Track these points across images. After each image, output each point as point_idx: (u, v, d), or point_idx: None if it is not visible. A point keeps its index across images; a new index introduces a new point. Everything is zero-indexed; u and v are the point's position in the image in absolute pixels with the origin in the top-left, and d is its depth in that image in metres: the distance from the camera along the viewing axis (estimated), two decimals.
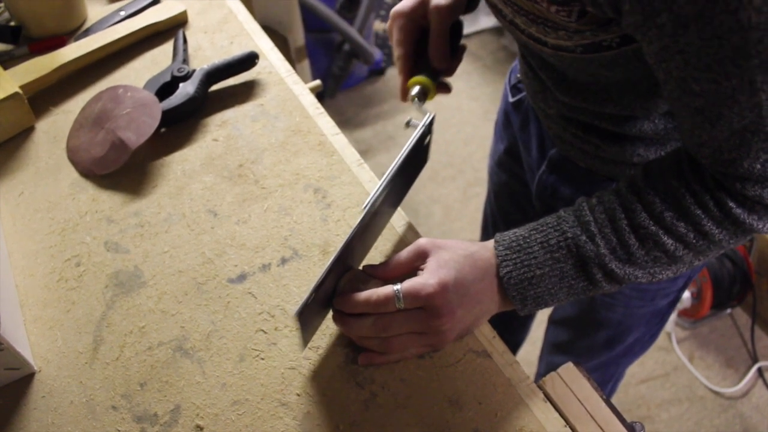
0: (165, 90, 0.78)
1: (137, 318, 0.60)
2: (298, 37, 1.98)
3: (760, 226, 0.50)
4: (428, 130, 0.64)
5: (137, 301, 0.61)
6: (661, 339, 1.71)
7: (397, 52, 0.68)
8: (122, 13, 0.93)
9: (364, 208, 0.53)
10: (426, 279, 0.51)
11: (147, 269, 0.64)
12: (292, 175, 0.71)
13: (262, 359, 0.56)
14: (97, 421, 0.53)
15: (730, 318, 1.76)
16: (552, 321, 1.04)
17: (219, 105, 0.80)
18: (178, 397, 0.54)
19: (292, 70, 0.84)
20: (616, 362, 0.99)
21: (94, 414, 0.54)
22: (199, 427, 0.52)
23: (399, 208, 0.67)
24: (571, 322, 0.96)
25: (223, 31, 0.91)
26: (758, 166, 0.46)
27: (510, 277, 0.53)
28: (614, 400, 0.72)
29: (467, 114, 2.40)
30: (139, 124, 0.73)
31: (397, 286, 0.51)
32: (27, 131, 0.80)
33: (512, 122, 0.87)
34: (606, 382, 1.04)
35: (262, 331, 0.58)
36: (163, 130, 0.78)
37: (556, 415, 0.52)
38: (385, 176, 0.56)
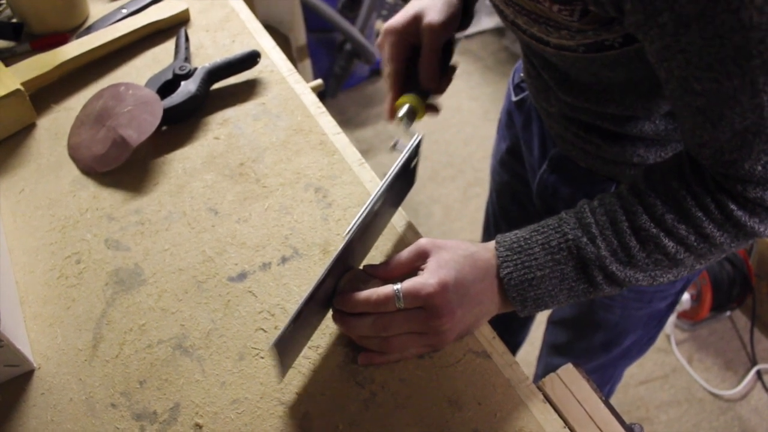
0: (166, 88, 0.78)
1: (137, 316, 0.60)
2: (299, 36, 1.98)
3: (762, 229, 0.50)
4: (416, 152, 0.62)
5: (137, 298, 0.61)
6: (661, 341, 1.71)
7: (387, 69, 0.67)
8: (124, 11, 0.93)
9: (346, 234, 0.52)
10: (426, 279, 0.51)
11: (147, 267, 0.64)
12: (293, 174, 0.71)
13: (262, 358, 0.56)
14: (96, 419, 0.53)
15: (729, 320, 1.76)
16: (551, 322, 1.04)
17: (220, 103, 0.80)
18: (178, 395, 0.54)
19: (294, 69, 0.84)
20: (613, 365, 0.99)
21: (93, 411, 0.54)
22: (198, 426, 0.52)
23: (399, 209, 0.67)
24: (569, 323, 0.96)
25: (224, 29, 0.91)
26: (759, 167, 0.46)
27: (510, 278, 0.53)
28: (613, 401, 0.72)
29: (467, 114, 2.40)
30: (141, 122, 0.73)
31: (397, 286, 0.51)
32: (28, 128, 0.80)
33: (515, 121, 0.87)
34: (603, 384, 1.04)
35: (262, 329, 0.58)
36: (164, 128, 0.78)
37: (556, 416, 0.52)
38: (369, 200, 0.55)
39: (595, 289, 0.54)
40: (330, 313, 0.56)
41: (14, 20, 0.93)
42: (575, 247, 0.52)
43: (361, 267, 0.58)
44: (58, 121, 0.80)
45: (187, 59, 0.83)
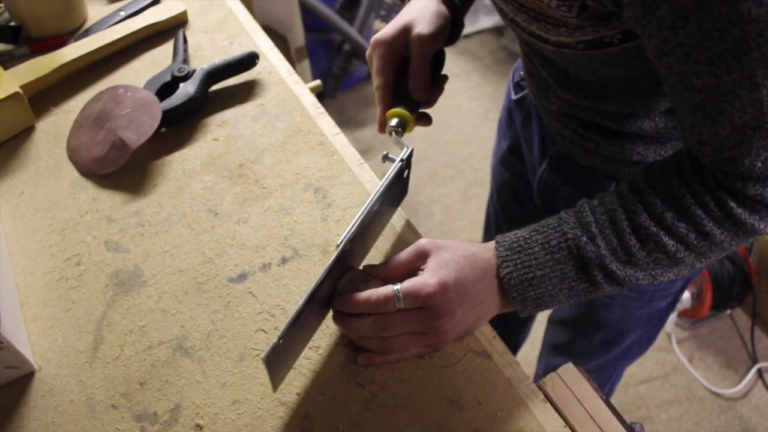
0: (165, 90, 0.78)
1: (137, 317, 0.60)
2: (298, 37, 1.98)
3: (762, 227, 0.50)
4: (407, 164, 0.62)
5: (137, 300, 0.61)
6: (661, 339, 1.71)
7: (376, 81, 0.65)
8: (122, 13, 0.93)
9: (339, 244, 0.52)
10: (426, 279, 0.51)
11: (147, 268, 0.64)
12: (293, 174, 0.71)
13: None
14: (96, 420, 0.53)
15: (729, 319, 1.76)
16: (551, 322, 1.04)
17: (219, 105, 0.80)
18: (178, 396, 0.54)
19: (293, 70, 0.84)
20: (613, 364, 0.99)
21: (94, 413, 0.54)
22: (199, 427, 0.52)
23: (399, 208, 0.67)
24: (570, 323, 0.96)
25: (223, 31, 0.91)
26: (759, 164, 0.46)
27: (510, 278, 0.53)
28: (614, 400, 0.72)
29: (467, 114, 2.40)
30: (140, 124, 0.73)
31: (397, 286, 0.51)
32: (27, 131, 0.80)
33: (515, 120, 0.87)
34: (604, 384, 1.04)
35: (263, 330, 0.58)
36: (163, 129, 0.78)
37: (556, 415, 0.52)
38: (361, 212, 0.54)
39: (596, 289, 0.54)
40: (330, 313, 0.56)
41: (12, 23, 0.93)
42: (575, 246, 0.52)
43: (360, 267, 0.58)
44: (57, 124, 0.80)
45: (185, 61, 0.83)
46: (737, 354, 1.68)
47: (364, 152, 2.25)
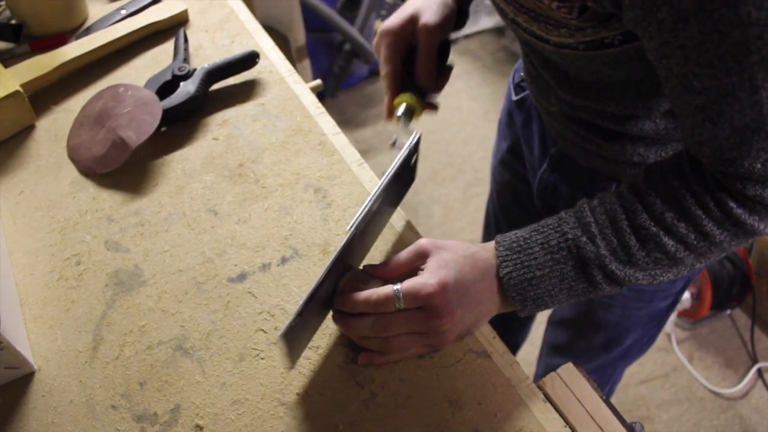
0: (166, 89, 0.78)
1: (137, 317, 0.60)
2: (298, 36, 1.98)
3: (762, 227, 0.50)
4: (415, 149, 0.63)
5: (137, 300, 0.61)
6: (661, 339, 1.71)
7: (384, 69, 0.67)
8: (123, 12, 0.93)
9: (348, 229, 0.52)
10: (426, 279, 0.51)
11: (147, 268, 0.64)
12: (293, 174, 0.71)
13: (262, 359, 0.56)
14: (96, 421, 0.53)
15: (729, 319, 1.76)
16: (551, 322, 1.04)
17: (220, 104, 0.80)
18: (178, 397, 0.54)
19: (293, 70, 0.84)
20: (613, 365, 0.99)
21: (93, 413, 0.54)
22: (199, 427, 0.52)
23: (399, 208, 0.67)
24: (570, 323, 0.96)
25: (224, 30, 0.91)
26: (759, 165, 0.46)
27: (510, 277, 0.53)
28: (614, 400, 0.72)
29: (467, 114, 2.40)
30: (140, 123, 0.73)
31: (397, 286, 0.51)
32: (28, 129, 0.80)
33: (515, 121, 0.87)
34: (604, 384, 1.04)
35: (262, 330, 0.58)
36: (163, 129, 0.78)
37: (556, 415, 0.52)
38: (369, 198, 0.55)
39: (595, 289, 0.54)
40: (330, 313, 0.56)
41: (13, 21, 0.93)
42: (575, 246, 0.52)
43: (361, 267, 0.58)
44: (58, 123, 0.80)
45: (186, 60, 0.83)
46: (737, 354, 1.68)
47: (365, 152, 2.25)
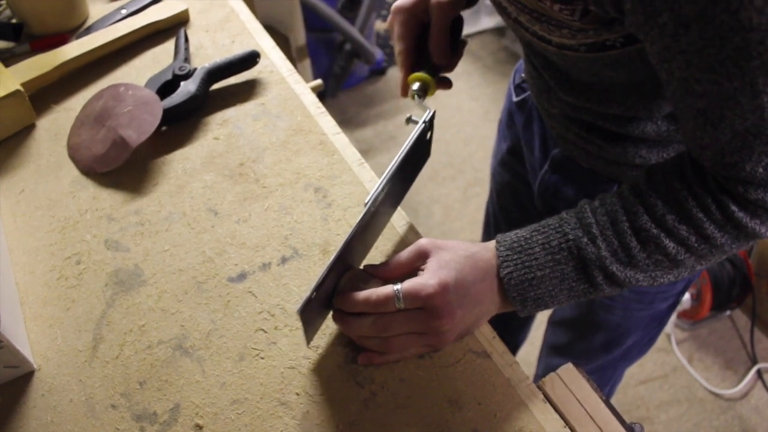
0: (166, 88, 0.78)
1: (137, 316, 0.60)
2: (299, 36, 1.98)
3: (763, 231, 0.50)
4: (429, 125, 0.64)
5: (137, 299, 0.61)
6: (661, 340, 1.71)
7: (397, 47, 0.68)
8: (124, 11, 0.93)
9: (367, 203, 0.53)
10: (426, 279, 0.51)
11: (147, 268, 0.64)
12: (293, 174, 0.71)
13: (262, 358, 0.56)
14: (96, 420, 0.53)
15: (729, 320, 1.76)
16: (551, 322, 1.04)
17: (220, 104, 0.80)
18: (178, 396, 0.54)
19: (294, 70, 0.84)
20: (613, 366, 0.99)
21: (93, 412, 0.54)
22: (199, 426, 0.52)
23: (399, 208, 0.67)
24: (570, 323, 0.96)
25: (224, 29, 0.91)
26: (760, 169, 0.46)
27: (510, 278, 0.53)
28: (613, 401, 0.72)
29: (467, 114, 2.40)
30: (141, 122, 0.73)
31: (398, 286, 0.51)
32: (28, 129, 0.80)
33: (516, 122, 0.87)
34: (604, 385, 1.04)
35: (262, 330, 0.58)
36: (164, 128, 0.78)
37: (556, 415, 0.52)
38: (387, 171, 0.56)
39: (596, 290, 0.54)
40: (330, 313, 0.56)
41: (14, 21, 0.93)
42: (576, 247, 0.52)
43: (361, 267, 0.58)
44: (58, 122, 0.80)
45: (186, 59, 0.83)
46: (737, 355, 1.68)
47: (365, 152, 2.25)
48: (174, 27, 0.92)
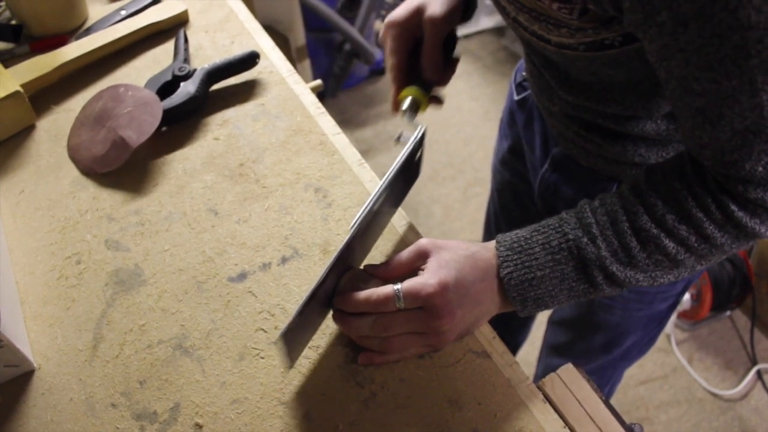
0: (166, 89, 0.78)
1: (137, 316, 0.60)
2: (299, 36, 1.98)
3: (763, 230, 0.50)
4: (420, 144, 0.63)
5: (137, 299, 0.61)
6: (661, 341, 1.71)
7: (389, 61, 0.67)
8: (123, 12, 0.93)
9: (352, 226, 0.52)
10: (426, 279, 0.51)
11: (147, 267, 0.64)
12: (293, 174, 0.71)
13: (262, 358, 0.56)
14: (96, 419, 0.53)
15: (729, 320, 1.76)
16: (551, 322, 1.04)
17: (220, 104, 0.80)
18: (178, 395, 0.54)
19: (293, 70, 0.84)
20: (613, 366, 0.99)
21: (93, 411, 0.54)
22: (199, 426, 0.52)
23: (399, 208, 0.67)
24: (570, 323, 0.96)
25: (224, 30, 0.91)
26: (760, 168, 0.46)
27: (510, 278, 0.53)
28: (613, 401, 0.73)
29: (467, 114, 2.40)
30: (140, 123, 0.73)
31: (398, 286, 0.51)
32: (28, 129, 0.80)
33: (516, 120, 0.87)
34: (603, 385, 1.04)
35: (262, 330, 0.58)
36: (164, 128, 0.78)
37: (556, 416, 0.52)
38: (374, 193, 0.55)
39: (596, 290, 0.54)
40: (330, 313, 0.56)
41: (13, 22, 0.93)
42: (576, 247, 0.52)
43: (361, 267, 0.58)
44: (58, 123, 0.80)
45: (186, 60, 0.83)
46: (737, 355, 1.68)
47: (365, 152, 2.25)
48: (173, 28, 0.92)
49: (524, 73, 0.84)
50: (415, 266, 0.55)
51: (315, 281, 0.50)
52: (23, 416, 0.54)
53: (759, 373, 1.63)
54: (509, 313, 0.57)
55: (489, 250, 0.55)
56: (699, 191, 0.50)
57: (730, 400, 1.60)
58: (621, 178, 0.71)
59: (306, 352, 0.56)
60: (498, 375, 0.54)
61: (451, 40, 0.69)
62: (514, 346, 1.34)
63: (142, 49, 0.90)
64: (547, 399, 0.53)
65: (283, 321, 0.58)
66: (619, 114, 0.63)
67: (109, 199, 0.71)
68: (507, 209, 1.02)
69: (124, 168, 0.73)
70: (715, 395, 1.61)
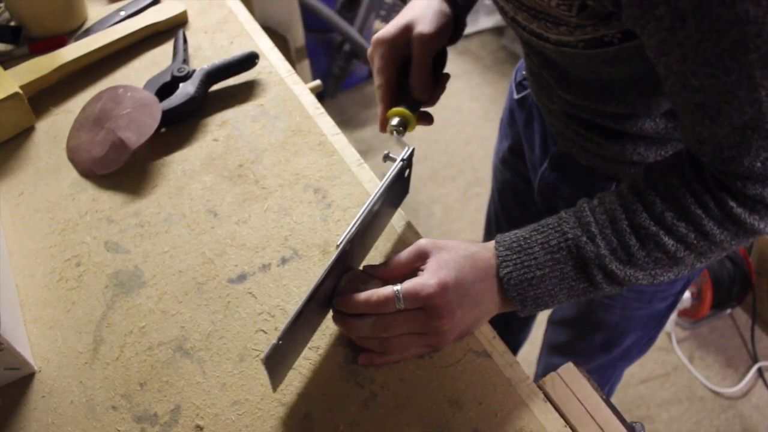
0: (165, 90, 0.78)
1: (137, 318, 0.60)
2: (298, 37, 1.98)
3: (762, 227, 0.50)
4: (408, 163, 0.62)
5: (137, 301, 0.61)
6: (661, 339, 1.71)
7: (377, 80, 0.65)
8: (122, 13, 0.93)
9: (339, 244, 0.52)
10: (426, 279, 0.51)
11: (147, 269, 0.64)
12: (292, 175, 0.71)
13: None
14: (97, 421, 0.53)
15: (730, 318, 1.76)
16: (551, 322, 1.04)
17: (219, 105, 0.80)
18: (178, 397, 0.54)
19: (292, 70, 0.84)
20: (613, 365, 0.99)
21: (94, 414, 0.54)
22: (199, 427, 0.52)
23: (399, 209, 0.67)
24: (569, 323, 0.96)
25: (223, 31, 0.91)
26: (758, 164, 0.46)
27: (510, 277, 0.53)
28: (614, 400, 0.72)
29: (467, 114, 2.40)
30: (140, 124, 0.73)
31: (397, 287, 0.51)
32: (27, 131, 0.80)
33: (516, 119, 0.87)
34: (603, 384, 1.04)
35: (262, 331, 0.58)
36: (163, 130, 0.78)
37: (556, 415, 0.52)
38: (361, 211, 0.54)
39: (595, 289, 0.54)
40: (330, 313, 0.56)
41: (12, 23, 0.93)
42: (575, 246, 0.52)
43: (361, 267, 0.58)
44: (57, 124, 0.80)
45: (185, 61, 0.83)
46: (737, 353, 1.68)
47: (364, 152, 2.25)
48: (173, 28, 0.92)
49: (524, 73, 0.84)
50: (414, 267, 0.55)
51: (313, 283, 0.50)
52: (24, 419, 0.54)
53: (760, 371, 1.63)
54: (509, 313, 0.57)
55: (488, 250, 0.55)
56: (697, 188, 0.50)
57: (731, 398, 1.60)
58: (620, 177, 0.71)
59: (306, 352, 0.56)
60: (498, 375, 0.54)
61: (441, 58, 0.68)
62: (514, 345, 1.34)
63: (142, 50, 0.89)
64: (548, 398, 0.53)
65: (283, 322, 0.58)
66: (618, 112, 0.63)
67: (109, 200, 0.71)
68: (507, 209, 1.02)
69: (124, 169, 0.73)
70: (716, 393, 1.61)
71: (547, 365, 1.08)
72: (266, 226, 0.66)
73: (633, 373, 1.65)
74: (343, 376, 0.54)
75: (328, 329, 0.57)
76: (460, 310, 0.52)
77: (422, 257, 0.54)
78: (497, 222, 1.07)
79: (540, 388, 0.54)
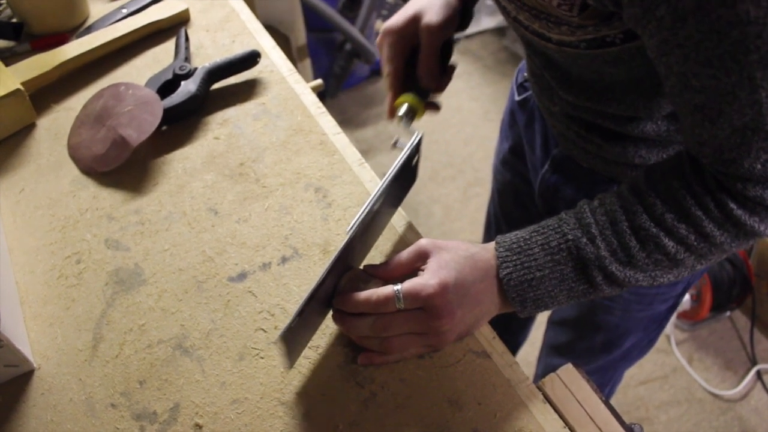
0: (166, 88, 0.78)
1: (137, 316, 0.60)
2: (299, 36, 1.98)
3: (762, 229, 0.50)
4: (416, 150, 0.63)
5: (137, 298, 0.61)
6: (661, 341, 1.71)
7: (386, 69, 0.68)
8: (124, 11, 0.93)
9: (348, 230, 0.53)
10: (426, 279, 0.51)
11: (147, 267, 0.64)
12: (293, 174, 0.71)
13: (262, 358, 0.56)
14: (96, 419, 0.53)
15: (729, 320, 1.76)
16: (551, 322, 1.04)
17: (220, 103, 0.80)
18: (178, 396, 0.54)
19: (294, 69, 0.84)
20: (613, 366, 0.99)
21: (93, 411, 0.54)
22: (198, 426, 0.52)
23: (399, 209, 0.67)
24: (570, 324, 0.96)
25: (225, 29, 0.91)
26: (759, 166, 0.46)
27: (510, 278, 0.53)
28: (613, 401, 0.73)
29: (467, 114, 2.40)
30: (141, 122, 0.73)
31: (398, 287, 0.51)
32: (28, 128, 0.80)
33: (518, 121, 0.87)
34: (603, 386, 1.04)
35: (262, 330, 0.58)
36: (164, 127, 0.78)
37: (556, 416, 0.52)
38: (370, 199, 0.55)
39: (595, 290, 0.54)
40: (330, 313, 0.56)
41: (14, 20, 0.93)
42: (575, 247, 0.52)
43: (361, 267, 0.58)
44: (58, 121, 0.80)
45: (187, 59, 0.83)
46: (736, 355, 1.68)
47: (365, 152, 2.25)
48: (174, 26, 0.92)
49: (525, 74, 0.84)
50: (415, 266, 0.55)
51: (315, 281, 0.50)
52: (23, 416, 0.54)
53: (759, 374, 1.63)
54: (509, 314, 0.57)
55: (488, 250, 0.55)
56: (698, 190, 0.50)
57: (730, 400, 1.60)
58: (621, 179, 0.71)
59: (306, 352, 0.56)
60: (498, 375, 0.54)
61: (448, 48, 0.69)
62: (514, 346, 1.34)
63: (143, 48, 0.89)
64: (547, 399, 0.53)
65: (283, 321, 0.58)
66: (619, 114, 0.63)
67: (109, 198, 0.71)
68: (507, 210, 1.02)
69: (125, 167, 0.73)
70: (715, 395, 1.61)
71: (547, 366, 1.08)
72: (267, 224, 0.66)
73: (632, 374, 1.65)
74: (342, 376, 0.54)
75: (328, 329, 0.57)
76: (460, 310, 0.52)
77: (423, 257, 0.54)
78: (497, 223, 1.07)
79: (539, 388, 0.54)
